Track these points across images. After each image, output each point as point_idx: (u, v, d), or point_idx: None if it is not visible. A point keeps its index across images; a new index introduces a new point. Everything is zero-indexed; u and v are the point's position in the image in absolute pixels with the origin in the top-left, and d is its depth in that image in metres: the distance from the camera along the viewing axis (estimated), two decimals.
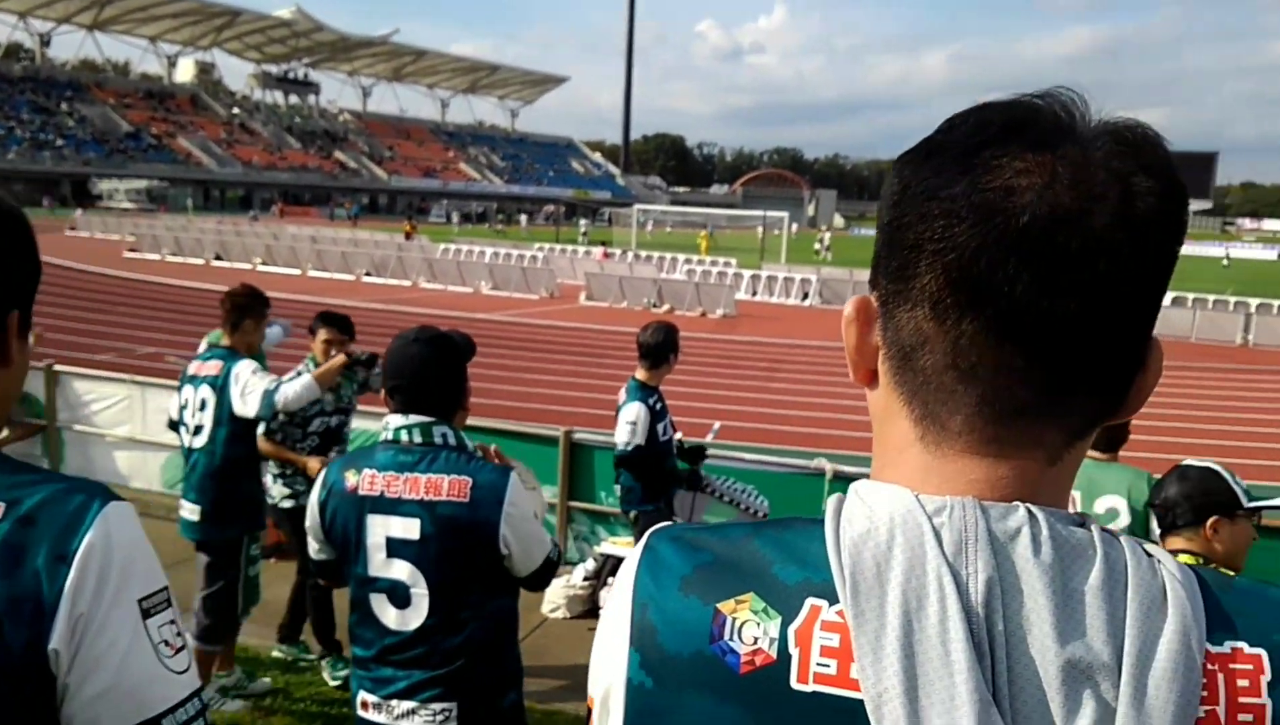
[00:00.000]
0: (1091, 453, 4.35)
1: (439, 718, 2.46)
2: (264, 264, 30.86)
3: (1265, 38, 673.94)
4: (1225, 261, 62.76)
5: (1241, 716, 0.63)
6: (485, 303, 24.55)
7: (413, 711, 2.46)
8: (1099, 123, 0.68)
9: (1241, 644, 0.65)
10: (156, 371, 8.75)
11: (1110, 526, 2.94)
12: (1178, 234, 0.68)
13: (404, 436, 2.50)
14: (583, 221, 65.03)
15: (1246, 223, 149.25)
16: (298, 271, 29.81)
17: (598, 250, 41.38)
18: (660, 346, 5.15)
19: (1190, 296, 27.29)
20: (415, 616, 2.45)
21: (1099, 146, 0.66)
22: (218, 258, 31.97)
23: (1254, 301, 26.79)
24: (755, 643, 0.67)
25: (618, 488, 5.41)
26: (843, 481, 5.87)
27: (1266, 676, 0.64)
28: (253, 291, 4.85)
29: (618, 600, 0.74)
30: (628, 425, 5.08)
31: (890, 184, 0.71)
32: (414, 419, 2.51)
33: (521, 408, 11.86)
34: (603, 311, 24.13)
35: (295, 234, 39.14)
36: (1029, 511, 0.66)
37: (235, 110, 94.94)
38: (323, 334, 5.04)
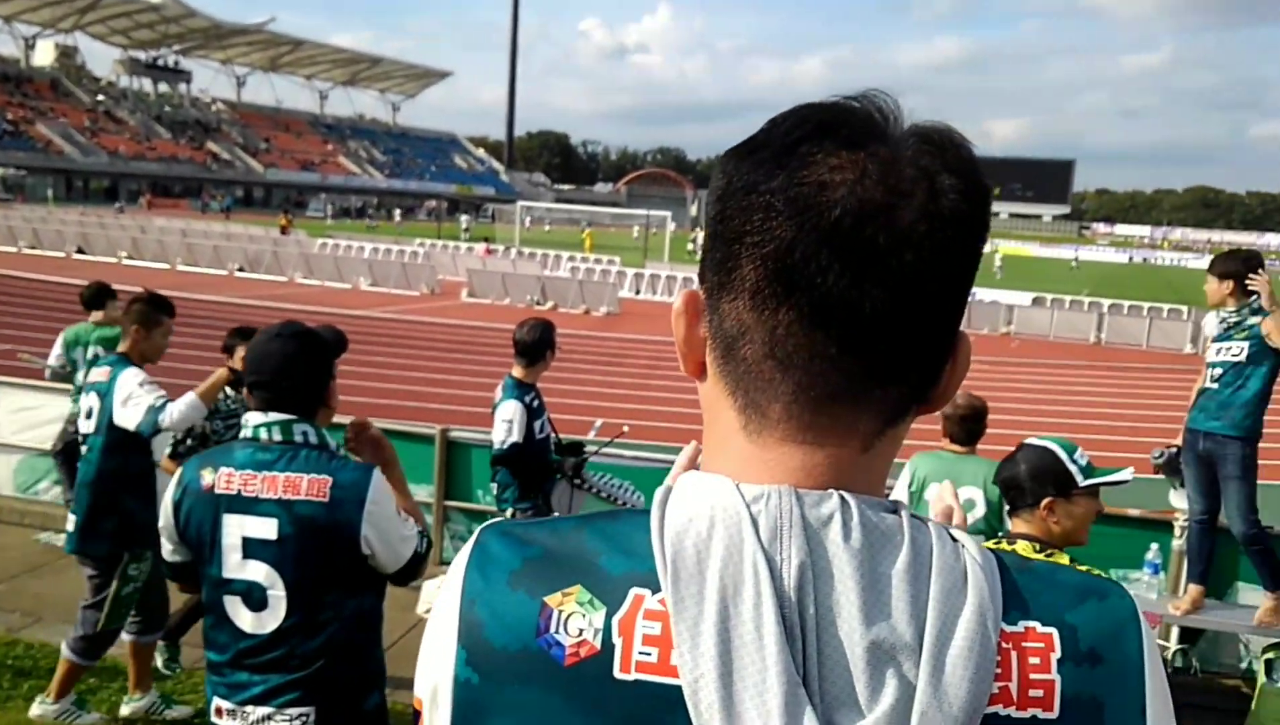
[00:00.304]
0: (951, 446, 4.55)
1: (296, 722, 2.39)
2: (130, 258, 29.53)
3: (1120, 52, 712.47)
4: (1074, 263, 66.48)
5: (1032, 692, 0.66)
6: (364, 299, 24.03)
7: (268, 717, 2.39)
8: (910, 125, 0.71)
9: (1034, 623, 0.68)
10: (9, 370, 8.28)
11: (968, 516, 3.07)
12: (980, 231, 0.71)
13: (263, 434, 2.44)
14: (465, 217, 64.21)
15: (1101, 227, 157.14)
16: (166, 266, 28.59)
17: (480, 246, 40.95)
18: (537, 344, 5.15)
19: (1049, 297, 28.72)
20: (272, 619, 2.39)
21: (908, 146, 0.69)
22: (80, 251, 30.35)
23: (1106, 302, 28.37)
24: (580, 634, 0.68)
25: (494, 486, 5.38)
26: None
27: (1056, 654, 0.67)
28: (156, 297, 4.58)
29: (446, 597, 0.74)
30: (504, 423, 5.06)
31: (715, 179, 0.73)
32: (274, 416, 2.45)
33: (399, 406, 11.68)
34: (485, 308, 23.91)
35: (164, 227, 37.67)
36: (842, 498, 0.68)
37: (100, 97, 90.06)
38: (241, 352, 4.85)
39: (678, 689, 0.64)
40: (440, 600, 0.75)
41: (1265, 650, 5.27)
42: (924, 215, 0.67)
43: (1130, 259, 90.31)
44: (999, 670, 0.66)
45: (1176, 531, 5.59)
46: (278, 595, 2.38)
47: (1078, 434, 12.19)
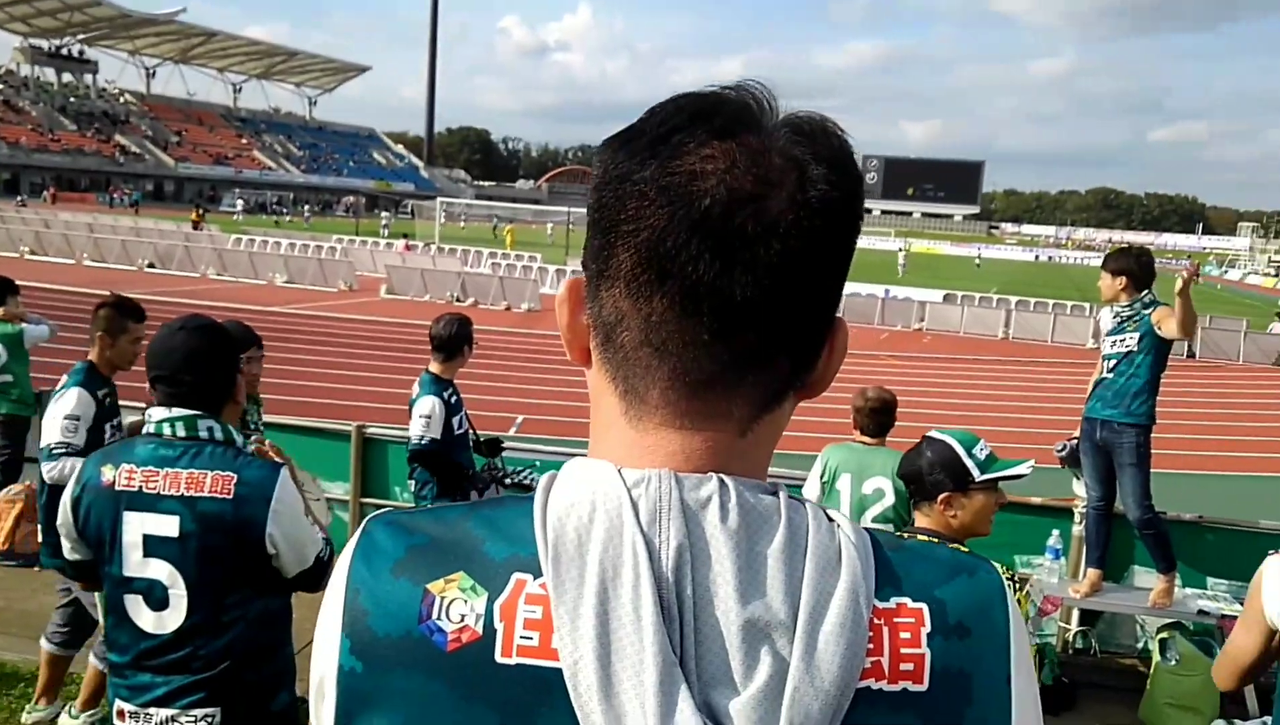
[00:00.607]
0: (862, 438, 4.65)
1: (201, 724, 2.34)
2: (33, 253, 28.53)
3: (1028, 59, 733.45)
4: (978, 262, 68.33)
5: (903, 665, 0.68)
6: (280, 296, 23.54)
7: (172, 719, 2.34)
8: (785, 115, 0.72)
9: (906, 599, 0.70)
10: None
11: (876, 506, 3.14)
12: (851, 220, 0.72)
13: (166, 430, 2.38)
14: (385, 214, 63.26)
15: (1009, 226, 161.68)
16: (72, 261, 27.65)
17: (400, 243, 40.39)
18: (453, 338, 5.12)
19: (959, 294, 29.46)
20: (174, 618, 2.33)
21: (780, 136, 0.70)
22: None
23: (1013, 299, 29.22)
24: (462, 620, 0.68)
25: (412, 483, 5.34)
26: None
27: (926, 628, 0.69)
28: (123, 302, 4.33)
29: (332, 587, 0.74)
30: (421, 419, 5.02)
31: (594, 168, 0.74)
32: (177, 412, 2.39)
33: (315, 403, 11.48)
34: (404, 305, 23.59)
35: (70, 221, 36.30)
36: (721, 481, 0.70)
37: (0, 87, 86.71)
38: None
39: (558, 671, 0.65)
40: (328, 592, 0.74)
41: (1159, 630, 5.50)
42: (793, 204, 0.68)
43: (1036, 257, 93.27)
44: (871, 645, 0.67)
45: (1076, 518, 5.79)
46: (179, 594, 2.33)
47: (985, 426, 12.56)
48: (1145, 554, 5.51)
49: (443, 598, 0.69)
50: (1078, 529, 5.80)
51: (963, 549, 0.83)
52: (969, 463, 2.64)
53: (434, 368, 5.15)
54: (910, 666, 0.68)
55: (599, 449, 0.76)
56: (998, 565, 0.81)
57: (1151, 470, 5.27)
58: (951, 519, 2.65)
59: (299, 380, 12.78)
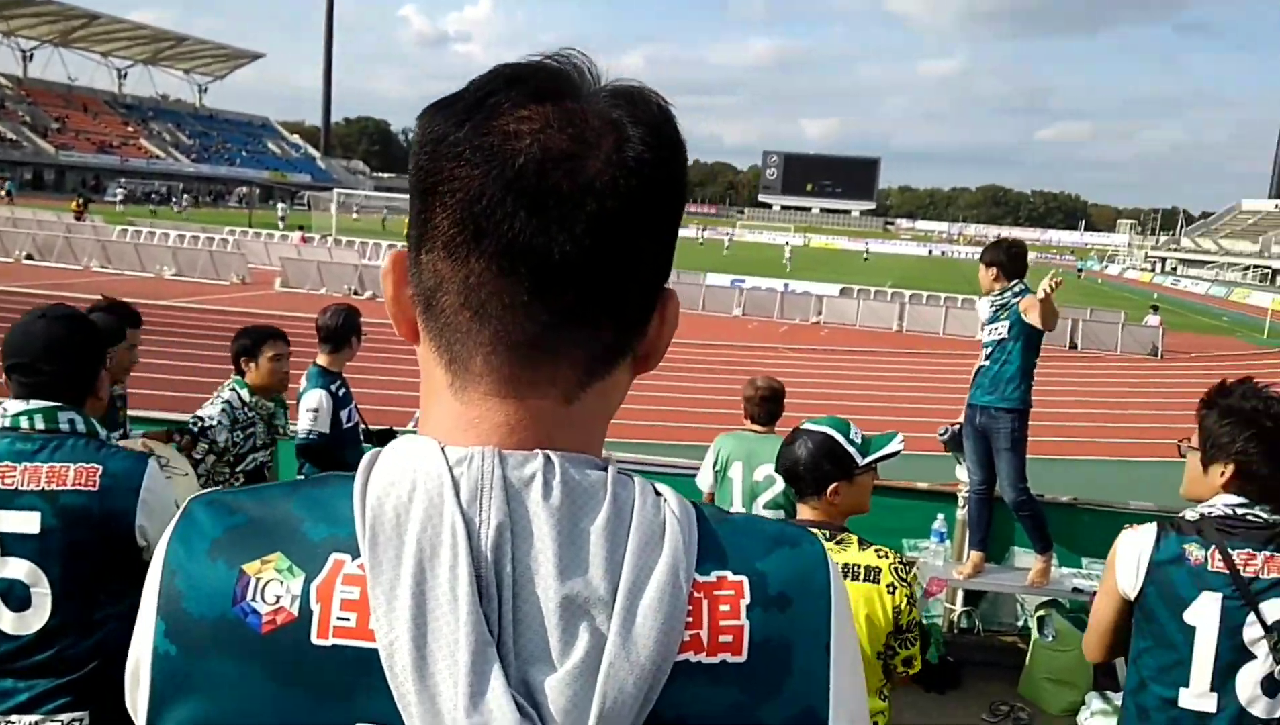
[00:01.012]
0: (753, 426, 4.73)
1: None
2: None
3: (921, 59, 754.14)
4: (865, 256, 70.20)
5: (722, 638, 0.69)
6: (168, 288, 22.71)
7: None
8: (606, 84, 0.73)
9: (727, 572, 0.71)
10: None
11: (768, 492, 3.17)
12: (670, 184, 0.72)
13: (24, 423, 2.26)
14: (281, 205, 61.53)
15: (904, 222, 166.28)
16: None
17: (295, 235, 39.39)
18: (341, 329, 5.02)
19: (855, 288, 30.17)
20: (36, 619, 2.22)
21: (599, 100, 0.71)
22: None
23: (907, 293, 30.07)
24: (278, 601, 0.67)
25: (301, 478, 5.22)
26: None
27: (746, 600, 0.70)
28: (119, 306, 4.08)
29: (151, 570, 0.72)
30: (309, 413, 4.90)
31: (415, 135, 0.73)
32: (36, 404, 2.29)
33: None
34: (300, 298, 23.00)
35: None
36: (546, 457, 0.69)
37: None
38: (265, 355, 4.49)
39: (375, 653, 0.64)
40: (148, 574, 0.73)
41: (1037, 608, 5.73)
42: (609, 164, 0.68)
43: (930, 253, 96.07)
44: (690, 619, 0.68)
45: (959, 502, 5.99)
46: (42, 593, 2.22)
47: (878, 416, 12.89)
48: (1025, 536, 5.73)
49: (258, 579, 0.68)
50: (961, 513, 5.99)
51: (790, 523, 0.83)
52: (851, 450, 2.64)
53: (321, 360, 5.04)
54: (729, 639, 0.69)
55: (427, 425, 0.75)
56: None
57: (1030, 455, 5.48)
58: (838, 506, 2.65)
59: (185, 375, 12.35)
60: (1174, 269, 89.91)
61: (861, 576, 2.53)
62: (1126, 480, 11.17)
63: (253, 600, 0.67)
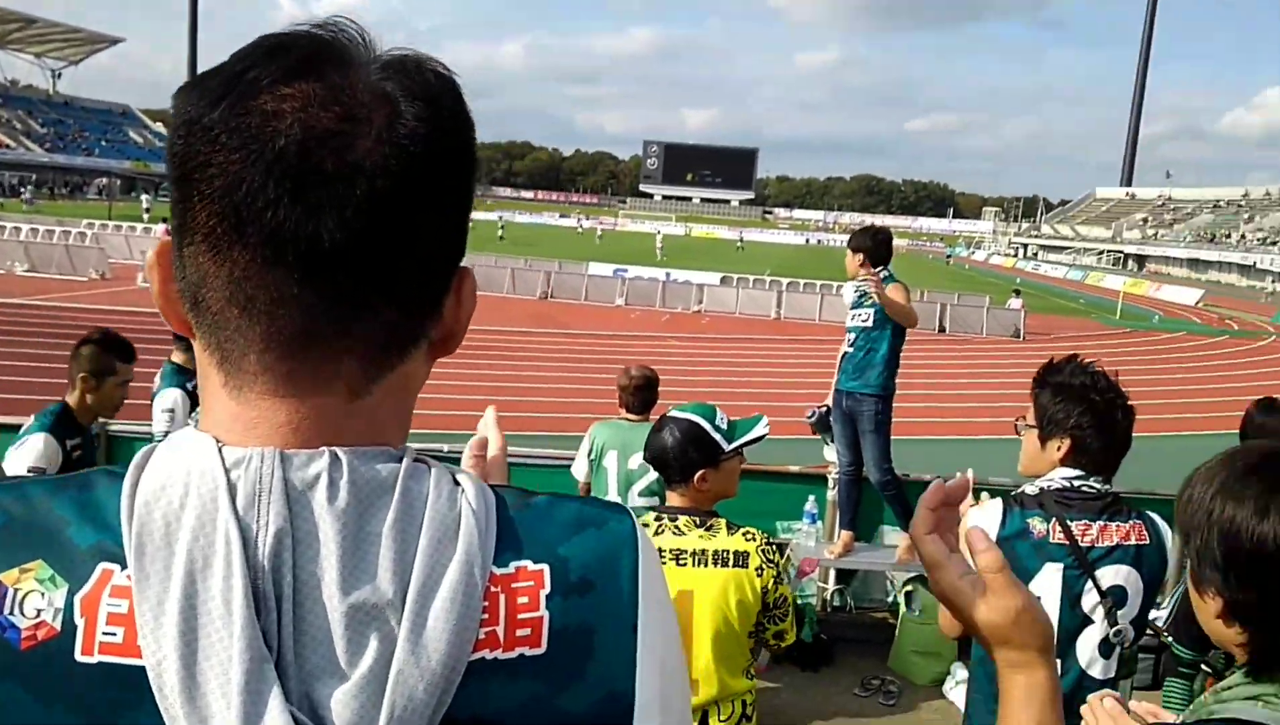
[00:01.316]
0: (627, 415, 4.75)
1: None
2: None
3: (796, 51, 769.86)
4: (739, 246, 71.63)
5: (519, 631, 0.66)
6: (20, 286, 21.49)
7: None
8: (380, 54, 0.68)
9: (526, 562, 0.68)
10: None
11: (642, 479, 3.14)
12: (452, 158, 0.68)
13: None
14: (145, 197, 58.84)
15: (782, 211, 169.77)
16: None
17: (160, 227, 37.72)
18: None
19: (735, 276, 30.68)
20: None
21: (370, 73, 0.66)
22: None
23: (785, 281, 30.72)
24: (38, 615, 0.62)
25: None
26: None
27: (546, 589, 0.67)
28: (111, 339, 3.81)
29: None
30: (164, 413, 4.76)
31: (172, 117, 0.68)
32: None
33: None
34: None
35: None
36: (333, 456, 0.65)
37: None
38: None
39: (144, 670, 0.60)
40: None
41: (905, 584, 5.94)
42: (380, 141, 0.64)
43: (807, 241, 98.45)
44: (486, 615, 0.65)
45: (830, 483, 6.15)
46: None
47: (757, 403, 13.12)
48: (893, 514, 5.92)
49: (17, 589, 0.62)
50: (832, 494, 6.15)
51: (598, 501, 0.81)
52: (716, 436, 2.65)
53: (177, 358, 4.89)
54: (527, 631, 0.66)
55: (206, 426, 0.69)
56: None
57: (896, 436, 5.66)
58: (707, 492, 2.66)
59: (36, 377, 11.71)
60: (1035, 254, 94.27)
61: (730, 562, 2.55)
62: (990, 456, 11.65)
63: (11, 614, 0.62)
